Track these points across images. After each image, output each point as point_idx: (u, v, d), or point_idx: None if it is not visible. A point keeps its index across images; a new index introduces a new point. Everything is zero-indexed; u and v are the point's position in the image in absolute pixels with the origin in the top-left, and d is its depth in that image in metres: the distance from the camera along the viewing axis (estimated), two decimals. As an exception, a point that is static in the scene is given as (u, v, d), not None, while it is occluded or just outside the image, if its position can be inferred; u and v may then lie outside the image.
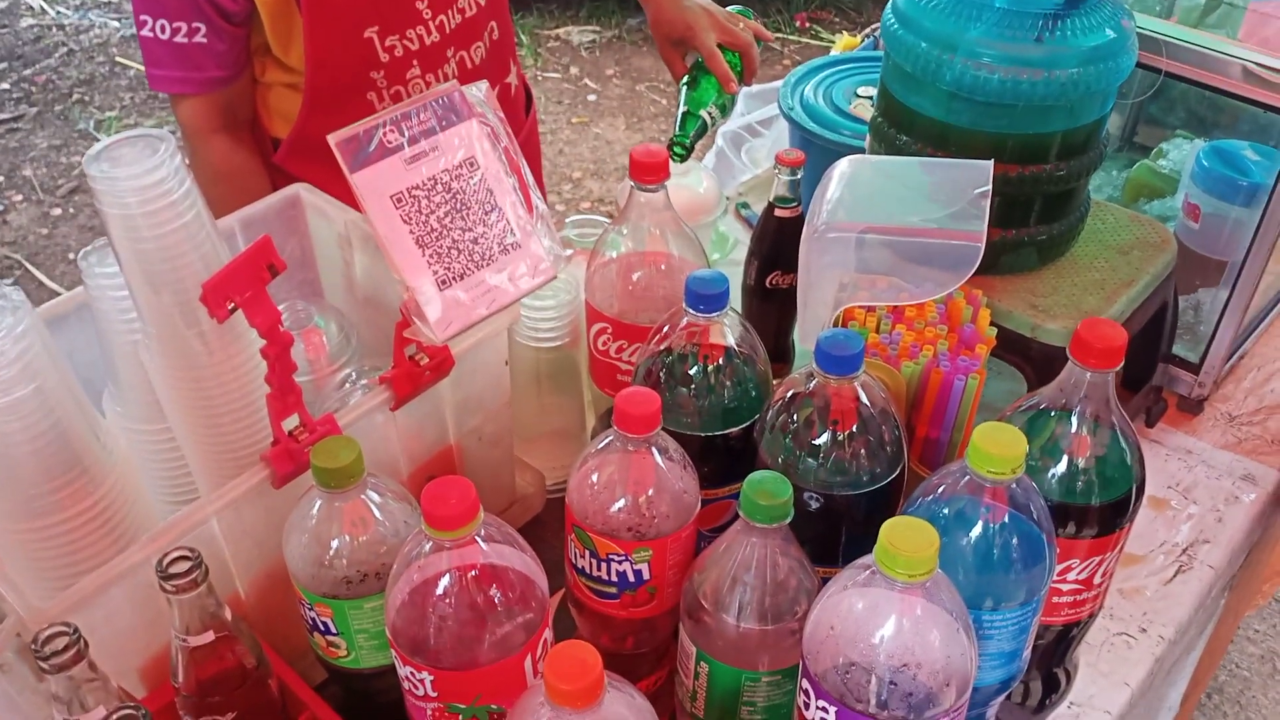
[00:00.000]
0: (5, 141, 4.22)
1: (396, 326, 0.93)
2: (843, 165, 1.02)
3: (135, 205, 0.84)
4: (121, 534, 0.96)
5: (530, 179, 0.86)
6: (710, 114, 1.52)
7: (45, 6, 5.11)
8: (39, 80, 4.59)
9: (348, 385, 1.14)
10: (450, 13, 1.45)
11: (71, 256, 3.67)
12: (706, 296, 0.91)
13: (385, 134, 0.79)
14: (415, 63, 1.44)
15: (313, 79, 1.40)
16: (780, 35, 4.85)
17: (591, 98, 4.54)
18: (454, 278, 0.82)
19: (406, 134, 0.80)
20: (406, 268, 0.80)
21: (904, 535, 0.68)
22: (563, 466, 1.25)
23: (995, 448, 0.73)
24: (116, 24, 5.03)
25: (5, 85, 4.55)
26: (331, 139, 0.77)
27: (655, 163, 1.02)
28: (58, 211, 3.89)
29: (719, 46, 1.57)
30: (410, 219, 0.80)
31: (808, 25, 4.97)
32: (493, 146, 0.84)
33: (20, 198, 3.95)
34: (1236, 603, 1.48)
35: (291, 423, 0.91)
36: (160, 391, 0.96)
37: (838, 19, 5.06)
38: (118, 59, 4.77)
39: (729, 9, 1.66)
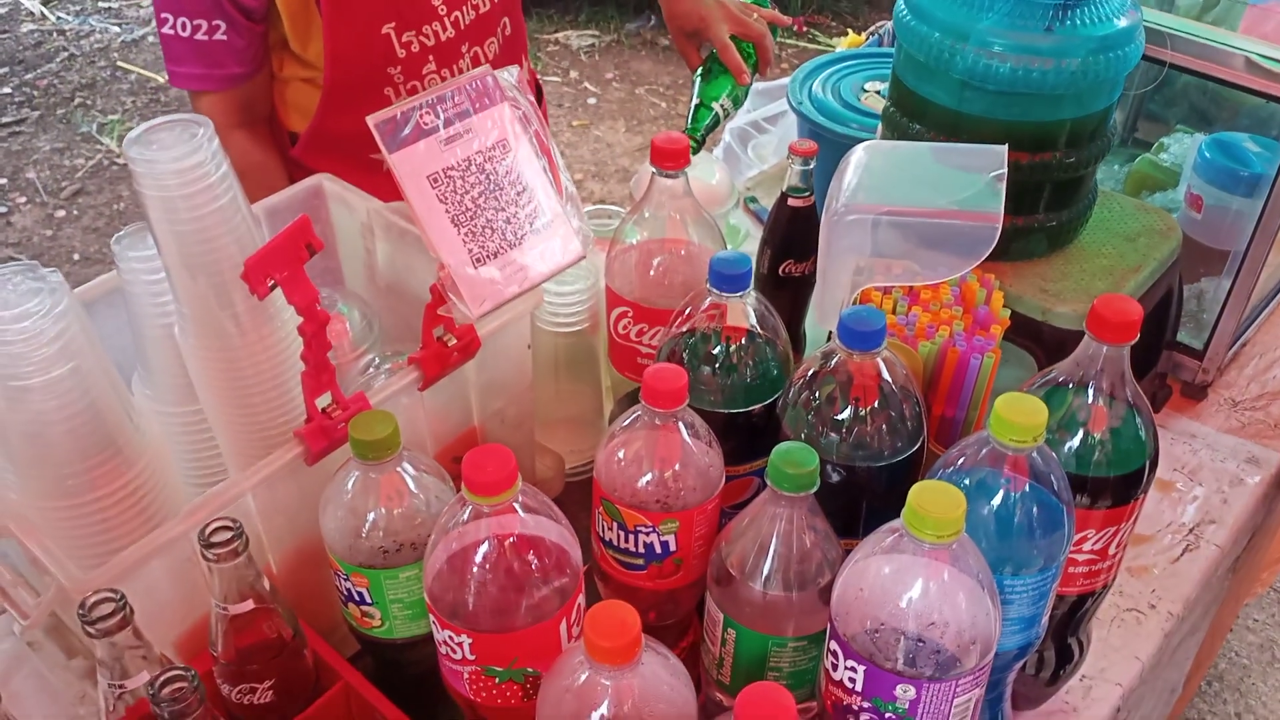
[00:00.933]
0: (8, 145, 4.23)
1: (427, 307, 0.95)
2: (858, 152, 1.05)
3: (175, 188, 0.86)
4: (153, 515, 0.98)
5: (560, 161, 0.88)
6: (723, 106, 1.53)
7: (46, 12, 5.13)
8: (40, 85, 4.60)
9: (370, 370, 1.15)
10: (465, 9, 1.47)
11: (76, 257, 3.69)
12: (730, 276, 0.93)
13: (422, 116, 0.82)
14: (431, 58, 1.46)
15: (331, 74, 1.42)
16: (778, 39, 4.88)
17: (591, 101, 4.57)
18: (488, 256, 0.84)
19: (442, 116, 0.82)
20: (442, 246, 0.82)
21: (932, 498, 0.70)
22: (580, 451, 1.27)
23: (1018, 416, 0.76)
24: (117, 29, 5.05)
25: (7, 90, 4.56)
26: (370, 120, 0.80)
27: (676, 149, 1.04)
28: (61, 213, 3.90)
29: (732, 38, 1.59)
30: (446, 199, 0.83)
31: (805, 29, 5.01)
32: (524, 129, 0.86)
33: (24, 200, 3.96)
34: (1238, 586, 1.51)
35: (324, 401, 0.93)
36: (193, 372, 0.98)
37: (834, 23, 5.09)
38: (119, 64, 4.79)
39: None
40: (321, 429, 0.91)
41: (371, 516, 0.86)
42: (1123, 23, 1.10)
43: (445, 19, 1.45)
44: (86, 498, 0.92)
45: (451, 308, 0.86)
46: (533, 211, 0.86)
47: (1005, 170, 0.95)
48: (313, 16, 1.39)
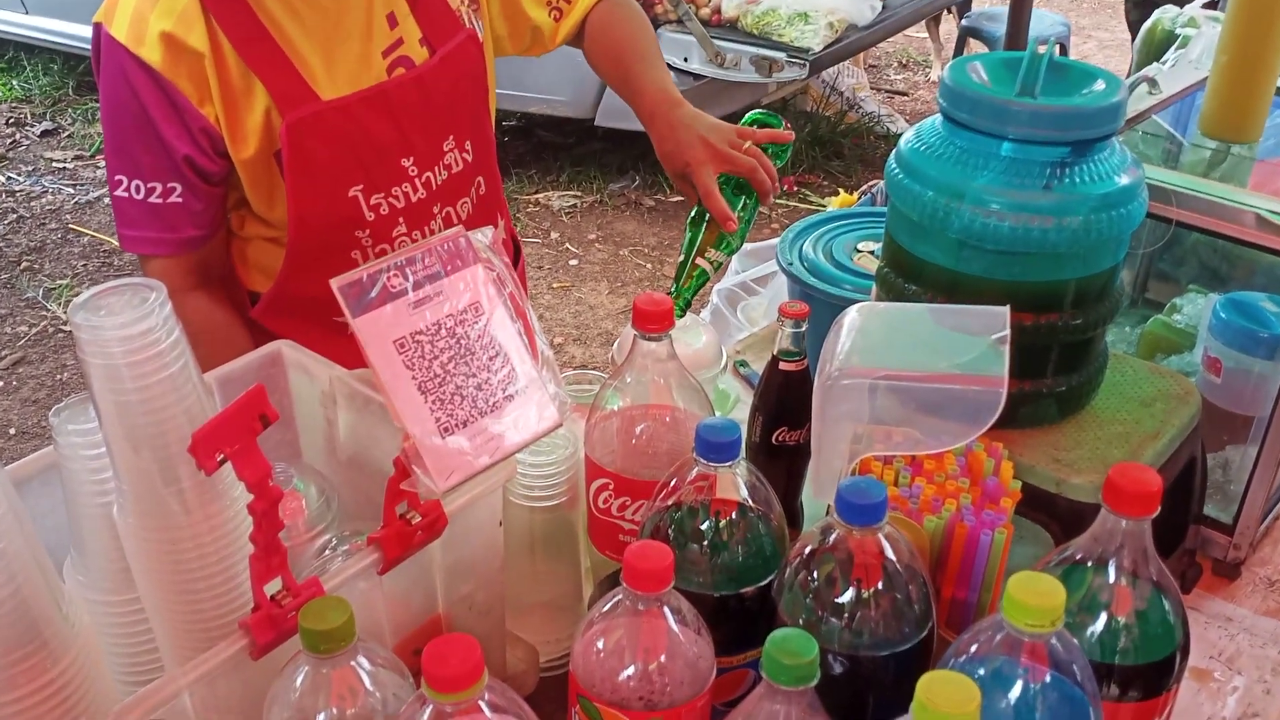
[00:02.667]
0: (-53, 311, 4.28)
1: (389, 481, 0.95)
2: (852, 314, 1.07)
3: (121, 355, 0.87)
4: (79, 715, 0.95)
5: (536, 324, 0.90)
6: (712, 260, 1.52)
7: (-3, 172, 5.27)
8: (-14, 248, 4.69)
9: (327, 553, 1.14)
10: (437, 169, 1.52)
11: (12, 432, 3.68)
12: (719, 445, 0.94)
13: (389, 278, 0.83)
14: (401, 220, 1.50)
15: (296, 237, 1.46)
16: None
17: (573, 262, 4.67)
18: (456, 425, 0.85)
19: (411, 278, 0.84)
20: (407, 414, 0.82)
21: (943, 690, 0.69)
22: (557, 641, 1.25)
23: (1033, 598, 0.75)
24: (71, 190, 5.19)
25: (-49, 253, 4.65)
26: (334, 283, 0.81)
27: (660, 310, 1.06)
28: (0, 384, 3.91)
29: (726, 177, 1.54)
30: (413, 364, 0.83)
31: (795, 189, 5.18)
32: (498, 292, 0.88)
33: (-40, 369, 3.98)
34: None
35: (274, 587, 0.91)
36: (132, 556, 0.96)
37: (826, 182, 5.28)
38: (71, 226, 4.90)
39: (746, 119, 1.61)
40: (270, 618, 0.89)
41: (322, 717, 0.83)
42: (1124, 180, 1.15)
43: (416, 179, 1.50)
44: (5, 698, 0.89)
45: (416, 481, 0.86)
46: (506, 377, 0.87)
47: (1008, 332, 0.97)
48: (276, 180, 1.43)
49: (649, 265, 4.65)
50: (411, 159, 1.49)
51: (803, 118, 5.64)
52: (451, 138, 1.53)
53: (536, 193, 5.20)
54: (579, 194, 5.20)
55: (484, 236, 0.90)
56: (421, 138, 1.49)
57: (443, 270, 0.86)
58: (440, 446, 0.84)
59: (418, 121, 1.48)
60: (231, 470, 0.87)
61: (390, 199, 1.48)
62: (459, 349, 0.86)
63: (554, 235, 4.88)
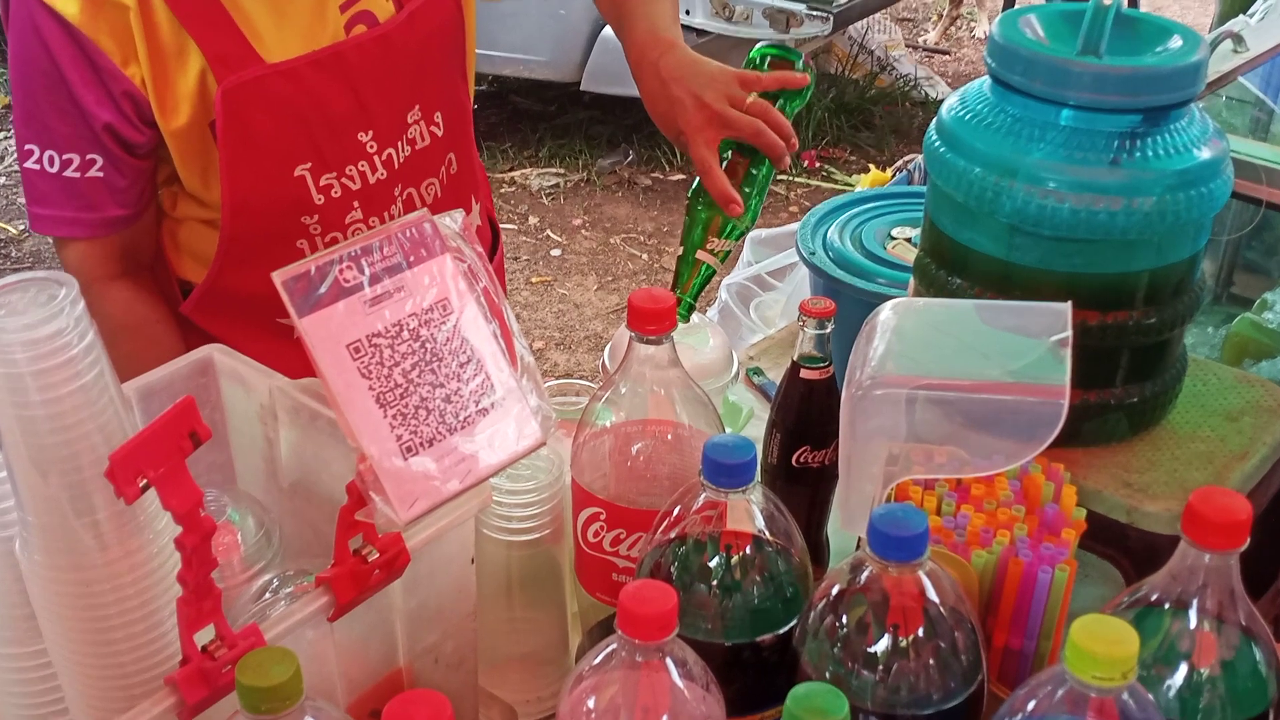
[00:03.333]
0: None
1: (342, 511, 0.95)
2: (885, 312, 1.08)
3: (25, 363, 0.87)
4: (-27, 790, 0.95)
5: (514, 325, 0.90)
6: (715, 251, 1.50)
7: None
8: None
9: (267, 596, 1.14)
10: (400, 144, 1.53)
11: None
12: (730, 467, 0.94)
13: (342, 271, 0.84)
14: (356, 204, 1.51)
15: (232, 224, 1.46)
16: (785, 177, 5.06)
17: (555, 252, 4.69)
18: (421, 444, 0.85)
19: (367, 271, 0.85)
20: (363, 432, 0.83)
21: (995, 755, 0.69)
22: (539, 700, 1.25)
23: (1101, 646, 0.75)
24: (-37, 167, 5.19)
25: None
26: (277, 277, 0.82)
27: (660, 309, 1.07)
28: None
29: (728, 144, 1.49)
30: (370, 372, 0.84)
31: (818, 165, 5.20)
32: (470, 286, 0.88)
33: None
34: None
35: (205, 636, 0.92)
36: (37, 600, 0.97)
37: (854, 157, 5.30)
38: (-38, 210, 4.90)
39: (752, 55, 1.55)
40: (201, 673, 0.90)
41: (263, 789, 0.84)
42: (1205, 154, 1.15)
43: (375, 158, 1.50)
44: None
45: (373, 511, 0.86)
46: (480, 387, 0.87)
47: (1070, 333, 0.98)
48: (211, 155, 1.43)
49: (645, 256, 4.66)
50: (370, 133, 1.49)
51: (826, 81, 5.67)
52: (418, 107, 1.53)
53: (512, 170, 5.21)
54: (562, 172, 5.21)
55: (453, 222, 0.90)
56: (383, 108, 1.49)
57: (405, 261, 0.86)
58: (402, 470, 0.84)
59: (379, 89, 1.48)
60: (156, 498, 0.87)
61: (344, 179, 1.48)
62: (424, 354, 0.86)
63: (532, 221, 4.89)
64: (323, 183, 1.47)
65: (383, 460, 0.84)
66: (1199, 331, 1.78)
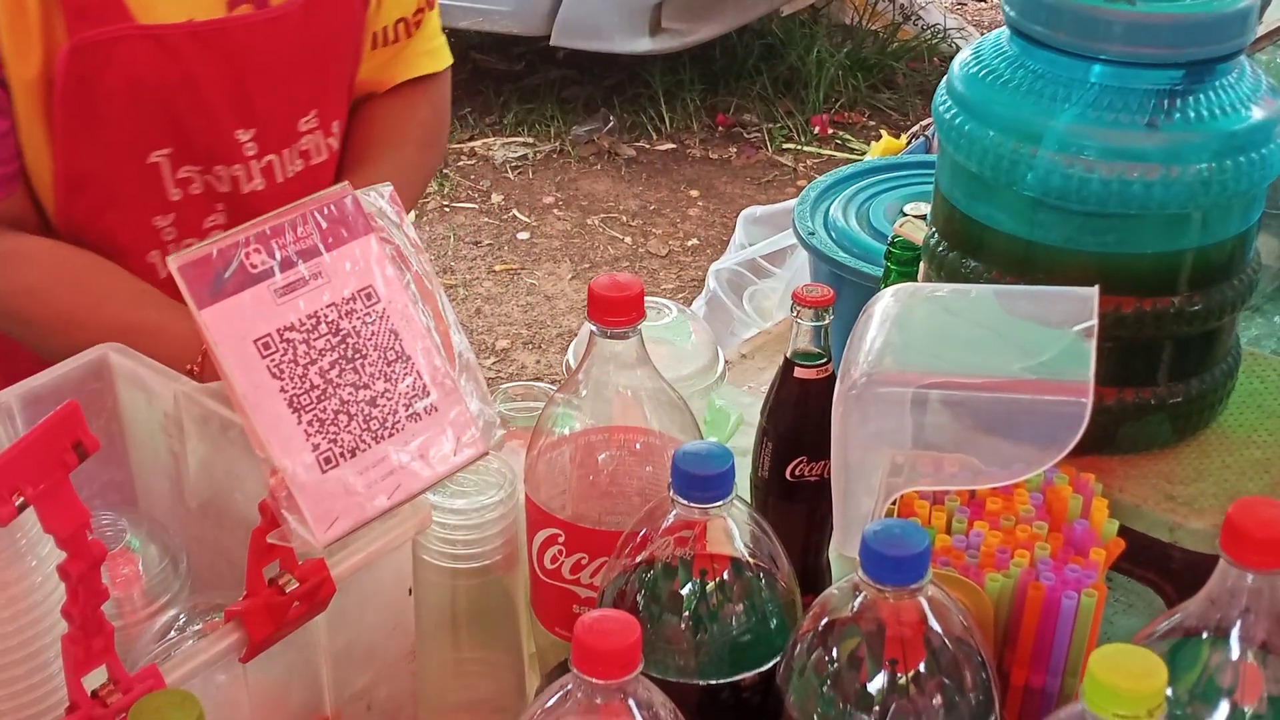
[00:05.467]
0: None
1: (254, 534, 0.96)
2: (886, 299, 1.09)
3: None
4: None
5: (451, 316, 0.91)
6: None
7: None
8: None
9: (173, 634, 1.15)
10: (287, 155, 1.51)
11: None
12: (704, 479, 0.96)
13: (248, 255, 0.85)
14: (220, 208, 1.48)
15: (64, 212, 1.44)
16: (793, 147, 5.08)
17: (523, 235, 4.69)
18: (342, 454, 0.86)
19: (278, 255, 0.86)
20: (275, 441, 0.84)
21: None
22: (489, 752, 1.26)
23: (1123, 679, 0.77)
24: None
25: None
26: (173, 262, 0.83)
27: (626, 298, 1.08)
28: None
29: None
30: (282, 372, 0.85)
31: (830, 131, 5.21)
32: (399, 272, 0.89)
33: None
34: None
35: (96, 680, 0.93)
36: (-102, 639, 0.98)
37: (873, 122, 5.31)
38: None
39: None
40: (91, 722, 0.91)
41: None
42: (1257, 114, 1.17)
43: (253, 162, 1.48)
44: None
45: (288, 533, 0.87)
46: (411, 389, 0.88)
47: (1095, 321, 0.99)
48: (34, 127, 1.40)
49: (627, 239, 4.68)
50: (251, 132, 1.48)
51: (840, 33, 5.68)
52: (314, 113, 1.52)
53: (472, 140, 5.22)
54: (530, 141, 5.22)
55: (379, 197, 0.91)
56: (269, 106, 1.48)
57: (322, 244, 0.87)
58: (319, 484, 0.85)
59: (268, 82, 1.47)
60: (36, 519, 0.88)
61: (210, 177, 1.47)
62: (345, 351, 0.87)
63: (496, 199, 4.90)
64: (181, 175, 1.46)
65: (297, 473, 0.85)
66: (1264, 322, 1.79)
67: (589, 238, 4.67)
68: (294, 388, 0.85)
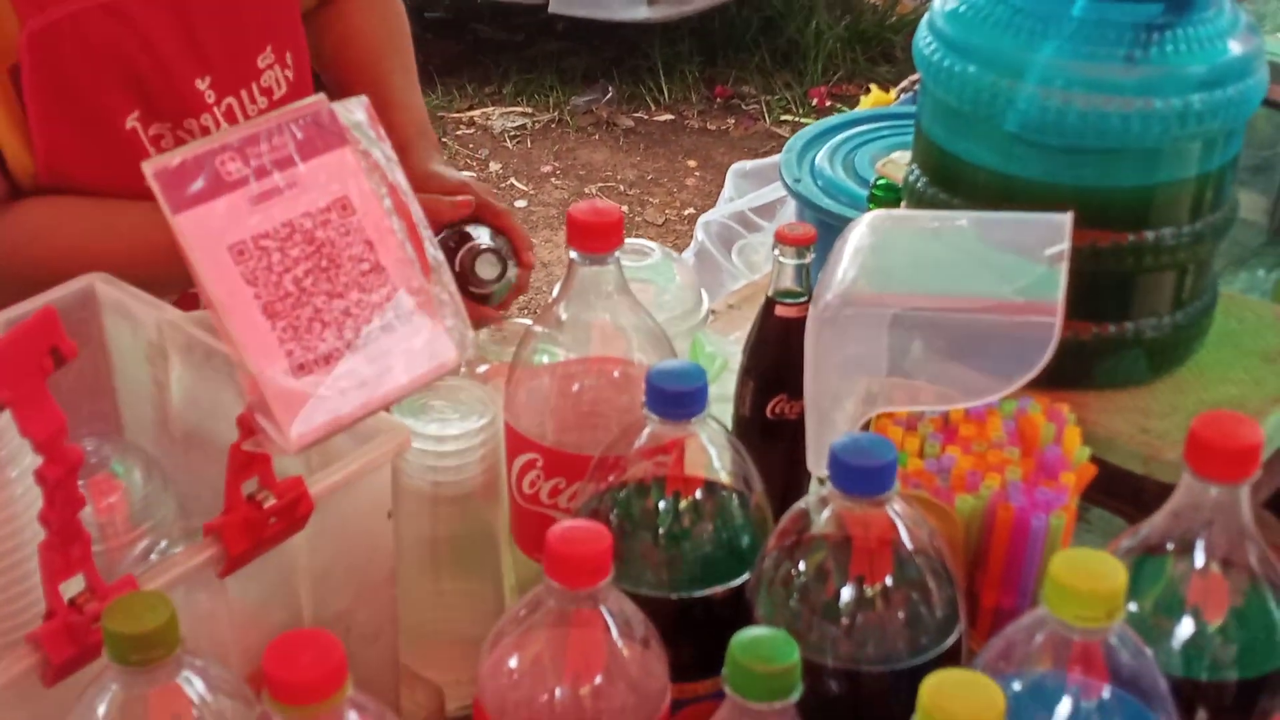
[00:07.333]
0: None
1: (232, 449, 0.97)
2: (861, 226, 1.10)
3: None
4: None
5: (426, 231, 0.92)
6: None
7: None
8: None
9: (154, 559, 1.16)
10: (250, 94, 1.52)
11: None
12: (677, 395, 0.96)
13: (223, 163, 0.85)
14: None
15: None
16: (791, 119, 5.08)
17: (521, 204, 4.70)
18: (316, 361, 0.86)
19: (254, 164, 0.86)
20: (249, 346, 0.84)
21: (955, 698, 0.72)
22: (470, 681, 1.25)
23: (1083, 580, 0.77)
24: None
25: None
26: (147, 167, 0.83)
27: (605, 222, 1.08)
28: None
29: None
30: (256, 279, 0.85)
31: (828, 104, 5.21)
32: (375, 185, 0.90)
33: None
34: None
35: (73, 588, 0.93)
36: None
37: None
38: None
39: None
40: (68, 629, 0.91)
41: (136, 755, 0.86)
42: (1236, 49, 1.18)
43: (215, 108, 1.49)
44: None
45: (263, 439, 0.88)
46: (385, 298, 0.89)
47: (1067, 245, 1.00)
48: (17, 109, 1.40)
49: (625, 208, 4.67)
50: (208, 79, 1.48)
51: (839, 6, 5.67)
52: (269, 48, 1.53)
53: (470, 109, 5.22)
54: (529, 111, 5.22)
55: (357, 110, 0.92)
56: (223, 50, 1.48)
57: (297, 154, 0.87)
58: (293, 389, 0.85)
59: (217, 25, 1.47)
60: (14, 432, 0.89)
61: (181, 132, 1.48)
62: (320, 259, 0.87)
63: (494, 167, 4.90)
64: (152, 133, 1.47)
65: (273, 378, 0.85)
66: (1248, 276, 1.80)
67: (587, 207, 4.67)
68: (268, 295, 0.86)
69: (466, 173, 4.79)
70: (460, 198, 1.51)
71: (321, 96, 0.91)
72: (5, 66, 1.38)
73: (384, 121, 1.59)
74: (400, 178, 0.92)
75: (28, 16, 1.35)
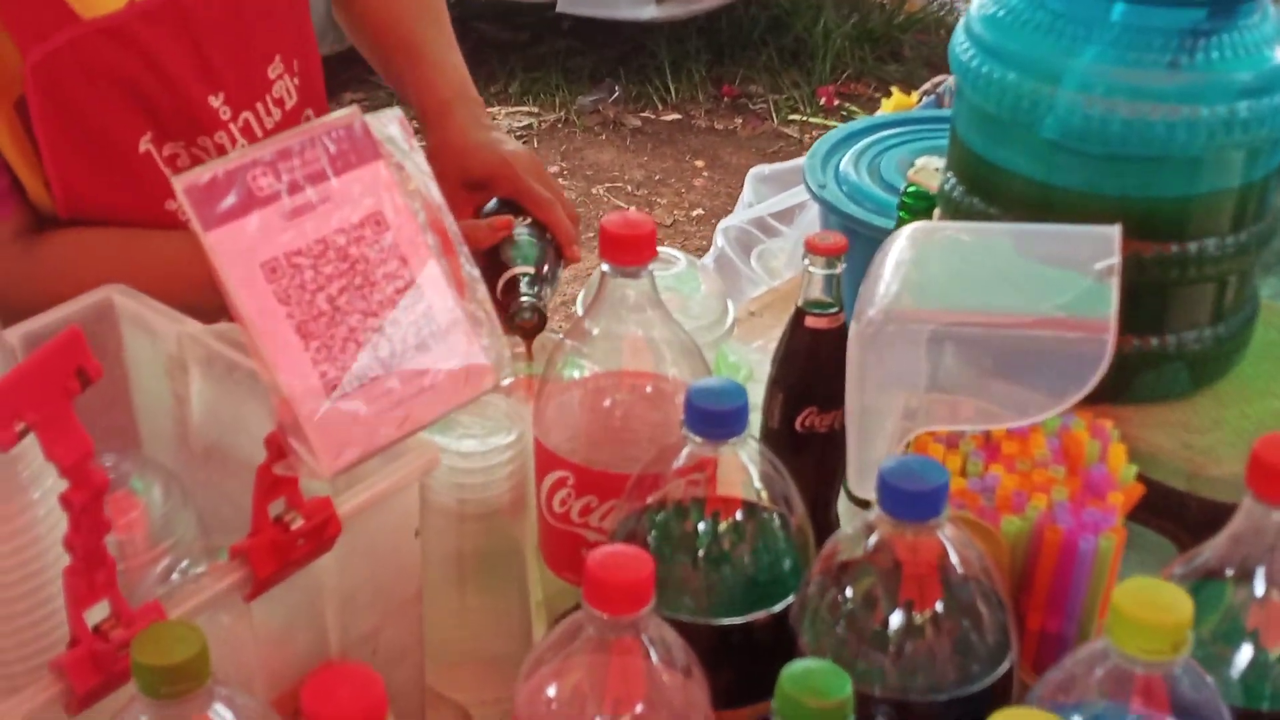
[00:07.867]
0: None
1: (260, 470, 0.95)
2: (902, 240, 1.08)
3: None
4: None
5: (463, 247, 0.90)
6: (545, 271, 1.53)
7: None
8: None
9: (175, 578, 1.15)
10: (263, 107, 1.51)
11: None
12: (717, 415, 0.94)
13: (254, 178, 0.83)
14: None
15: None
16: (799, 118, 5.07)
17: (526, 204, 4.68)
18: (351, 383, 0.84)
19: (286, 179, 0.84)
20: (282, 367, 0.82)
21: (1021, 736, 0.70)
22: (497, 701, 1.25)
23: (1148, 611, 0.76)
24: None
25: None
26: (179, 183, 0.81)
27: (638, 235, 1.07)
28: None
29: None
30: (289, 297, 0.83)
31: (836, 103, 5.20)
32: (408, 199, 0.88)
33: None
34: None
35: (98, 615, 0.92)
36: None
37: (879, 94, 5.28)
38: None
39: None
40: (92, 657, 0.90)
41: (165, 789, 0.84)
42: (1281, 55, 1.16)
43: (230, 125, 1.48)
44: None
45: (295, 463, 0.86)
46: (421, 316, 0.87)
47: (1117, 259, 0.98)
48: (26, 144, 1.38)
49: (633, 209, 4.66)
50: (221, 95, 1.47)
51: (847, 5, 5.66)
52: (278, 58, 1.52)
53: (477, 109, 5.20)
54: (535, 111, 5.21)
55: (391, 124, 0.89)
56: (232, 64, 1.47)
57: (330, 168, 0.85)
58: (328, 412, 0.83)
59: (225, 40, 1.46)
60: (39, 454, 0.87)
61: (195, 150, 1.47)
62: (354, 277, 0.85)
63: (501, 167, 4.89)
64: (167, 153, 1.45)
65: (304, 401, 0.83)
66: (1276, 281, 1.78)
67: (594, 207, 4.66)
68: (302, 314, 0.84)
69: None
70: (499, 218, 1.49)
71: (355, 109, 0.89)
72: (11, 101, 1.37)
73: (419, 82, 1.63)
74: (435, 192, 0.90)
75: (28, 47, 1.34)
